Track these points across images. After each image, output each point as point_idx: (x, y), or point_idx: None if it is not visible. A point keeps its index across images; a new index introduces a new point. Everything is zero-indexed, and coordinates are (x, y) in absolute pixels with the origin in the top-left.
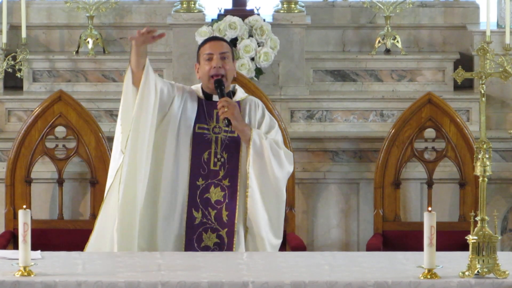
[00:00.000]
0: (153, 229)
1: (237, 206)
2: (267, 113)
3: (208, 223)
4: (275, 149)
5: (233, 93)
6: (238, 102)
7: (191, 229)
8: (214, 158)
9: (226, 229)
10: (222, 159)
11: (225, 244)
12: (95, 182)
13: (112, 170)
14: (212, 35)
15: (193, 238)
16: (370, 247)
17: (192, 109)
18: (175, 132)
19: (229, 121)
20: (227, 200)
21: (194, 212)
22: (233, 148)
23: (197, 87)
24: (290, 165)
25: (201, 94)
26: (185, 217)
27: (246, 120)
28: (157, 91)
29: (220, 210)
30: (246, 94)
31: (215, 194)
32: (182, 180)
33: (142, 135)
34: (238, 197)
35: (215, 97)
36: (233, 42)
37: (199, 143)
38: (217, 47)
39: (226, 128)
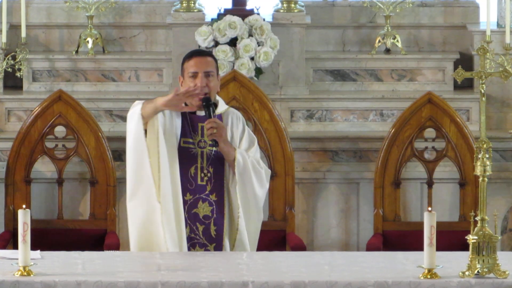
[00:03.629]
0: (142, 244)
1: (224, 221)
2: (246, 128)
3: (196, 238)
4: (257, 169)
5: (215, 105)
6: (220, 115)
7: None
8: (201, 173)
9: (214, 244)
10: (209, 174)
11: None
12: (94, 182)
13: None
14: (196, 49)
15: None
16: (370, 247)
17: (177, 124)
18: (165, 149)
19: (216, 142)
20: (215, 215)
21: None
22: (219, 162)
23: None
24: (268, 183)
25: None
26: None
27: (228, 134)
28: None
29: (208, 225)
30: (227, 106)
31: (203, 209)
32: (170, 195)
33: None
34: (225, 212)
35: (199, 112)
36: (233, 42)
37: (185, 157)
38: (202, 65)
39: (211, 142)
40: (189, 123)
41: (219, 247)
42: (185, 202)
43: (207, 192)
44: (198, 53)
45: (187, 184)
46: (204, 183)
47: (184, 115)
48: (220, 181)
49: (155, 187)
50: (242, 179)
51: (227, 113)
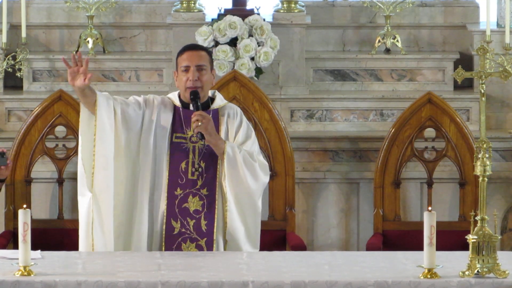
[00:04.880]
0: (132, 241)
1: (215, 215)
2: (245, 121)
3: (187, 233)
4: (249, 162)
5: (212, 100)
6: (217, 110)
7: (170, 239)
8: (192, 167)
9: (205, 239)
10: (200, 169)
11: None
12: None
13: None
14: (190, 43)
15: (172, 248)
16: (370, 247)
17: (167, 119)
18: (150, 144)
19: (202, 135)
20: (205, 210)
21: (173, 222)
22: (211, 157)
23: (174, 95)
24: (266, 176)
25: (178, 103)
26: (164, 227)
27: (224, 128)
28: (117, 118)
29: (199, 220)
30: (225, 101)
31: (193, 203)
32: (160, 191)
33: (109, 166)
34: (216, 206)
35: (192, 107)
36: (233, 42)
37: (176, 152)
38: (194, 59)
39: (198, 135)
40: (182, 118)
41: (210, 242)
42: (175, 196)
43: (198, 186)
44: (191, 47)
45: (178, 179)
46: (195, 177)
47: (177, 110)
48: (212, 176)
49: (85, 175)
50: (232, 172)
51: (225, 107)
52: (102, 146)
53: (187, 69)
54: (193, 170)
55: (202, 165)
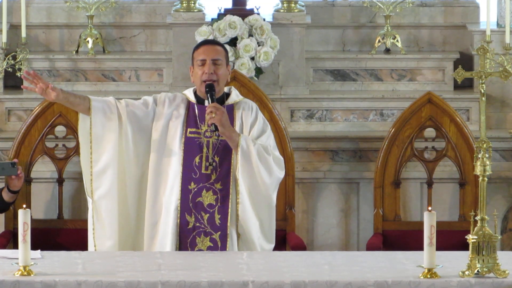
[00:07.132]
0: (146, 236)
1: (229, 209)
2: (260, 116)
3: (201, 227)
4: (263, 155)
5: (227, 95)
6: (232, 105)
7: (185, 234)
8: (206, 162)
9: (219, 233)
10: (214, 163)
11: (218, 248)
12: None
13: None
14: (206, 38)
15: (187, 242)
16: (370, 247)
17: (180, 115)
18: (162, 141)
19: (216, 127)
20: (219, 204)
21: (187, 216)
22: (225, 152)
23: (189, 91)
24: (281, 171)
25: (193, 99)
26: (178, 222)
27: (238, 123)
28: (122, 122)
29: (213, 214)
30: (241, 97)
31: (207, 197)
32: (174, 185)
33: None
34: (230, 200)
35: (207, 102)
36: (233, 42)
37: (190, 147)
38: (210, 53)
39: (212, 128)
40: (196, 114)
41: (224, 236)
42: (189, 191)
43: (211, 181)
44: (207, 42)
45: (192, 174)
46: (208, 172)
47: (191, 106)
48: (226, 170)
49: (85, 180)
50: (246, 165)
51: (240, 103)
52: (98, 152)
53: (203, 63)
54: (207, 165)
55: (216, 159)
